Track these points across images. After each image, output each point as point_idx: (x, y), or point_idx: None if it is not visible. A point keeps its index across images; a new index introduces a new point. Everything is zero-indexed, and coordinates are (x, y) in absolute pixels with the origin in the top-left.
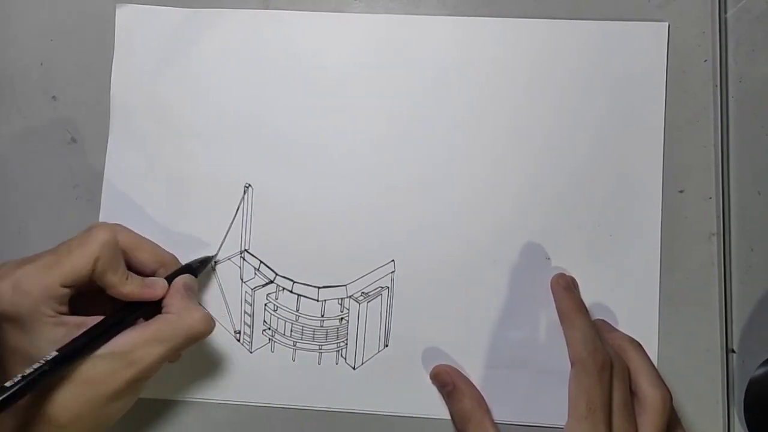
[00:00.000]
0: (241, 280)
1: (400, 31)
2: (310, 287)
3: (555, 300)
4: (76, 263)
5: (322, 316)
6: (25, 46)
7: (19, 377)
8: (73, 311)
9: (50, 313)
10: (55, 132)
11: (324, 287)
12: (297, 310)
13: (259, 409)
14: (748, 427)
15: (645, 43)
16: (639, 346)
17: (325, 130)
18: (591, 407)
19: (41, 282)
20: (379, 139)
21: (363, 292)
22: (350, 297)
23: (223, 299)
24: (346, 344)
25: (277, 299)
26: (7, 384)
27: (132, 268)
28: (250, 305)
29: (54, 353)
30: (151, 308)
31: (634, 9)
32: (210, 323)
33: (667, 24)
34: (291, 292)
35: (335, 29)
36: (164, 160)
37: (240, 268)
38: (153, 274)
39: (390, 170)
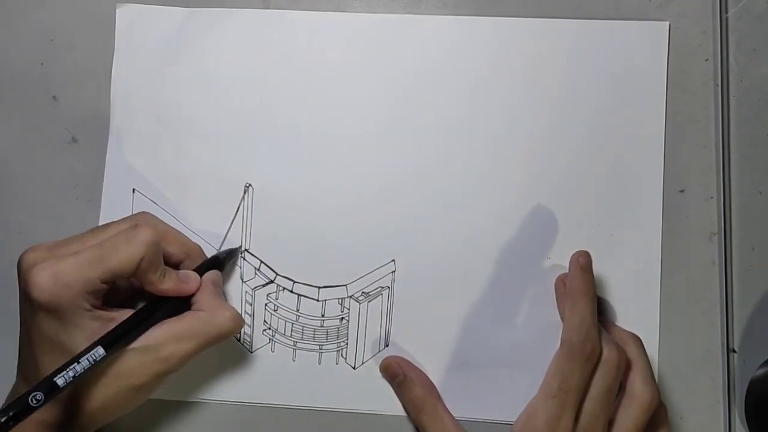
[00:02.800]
0: (242, 279)
1: (400, 30)
2: (311, 287)
3: (568, 276)
4: (122, 262)
5: (323, 315)
6: (25, 46)
7: (71, 376)
8: (103, 302)
9: (88, 307)
10: (55, 132)
11: (324, 287)
12: (297, 310)
13: (260, 409)
14: (749, 427)
15: (646, 43)
16: (639, 342)
17: (326, 130)
18: (564, 388)
19: (84, 277)
20: (379, 138)
21: (363, 292)
22: (351, 297)
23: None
24: (347, 344)
25: (277, 299)
26: (59, 381)
27: None
28: (251, 305)
29: (101, 350)
30: (181, 303)
31: (635, 8)
32: (240, 322)
33: (667, 23)
34: (291, 291)
35: (336, 29)
36: (164, 159)
37: (240, 268)
38: (178, 264)
39: (391, 170)
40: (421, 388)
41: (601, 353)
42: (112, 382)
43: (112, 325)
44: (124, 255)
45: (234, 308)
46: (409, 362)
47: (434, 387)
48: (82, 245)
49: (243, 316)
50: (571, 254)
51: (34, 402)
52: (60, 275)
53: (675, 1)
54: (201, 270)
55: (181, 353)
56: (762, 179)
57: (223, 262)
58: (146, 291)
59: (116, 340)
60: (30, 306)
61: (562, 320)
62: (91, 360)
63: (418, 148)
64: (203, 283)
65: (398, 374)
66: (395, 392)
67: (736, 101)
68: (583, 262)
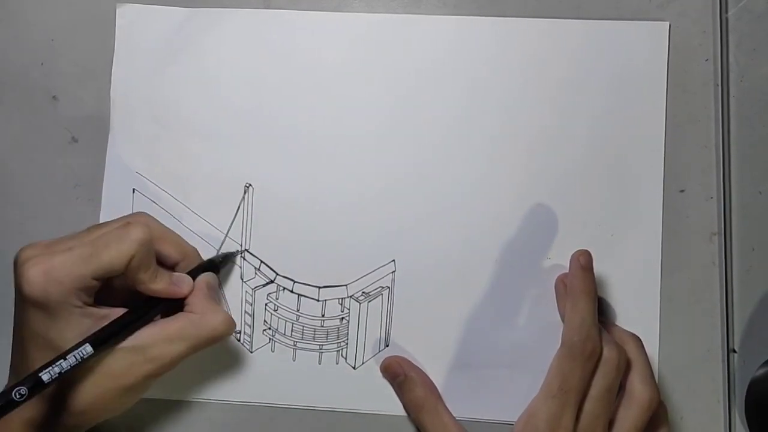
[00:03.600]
0: (242, 279)
1: (400, 30)
2: (311, 287)
3: (569, 275)
4: (112, 259)
5: (323, 315)
6: (25, 46)
7: (56, 372)
8: (96, 300)
9: (78, 304)
10: (55, 132)
11: (324, 287)
12: (297, 310)
13: (260, 409)
14: (749, 427)
15: (646, 43)
16: (638, 341)
17: (326, 130)
18: (564, 388)
19: (74, 273)
20: (379, 139)
21: (363, 292)
22: (351, 297)
23: (224, 299)
24: (347, 344)
25: (277, 299)
26: (44, 377)
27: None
28: (251, 305)
29: (89, 348)
30: (174, 304)
31: (635, 8)
32: (232, 326)
33: (667, 23)
34: (291, 291)
35: (336, 28)
36: (164, 159)
37: (240, 267)
38: (174, 266)
39: (391, 170)
40: (421, 388)
41: (601, 353)
42: (101, 381)
43: (104, 323)
44: (115, 252)
45: (226, 312)
46: (410, 362)
47: (435, 387)
48: (76, 242)
49: (243, 315)
50: (572, 254)
51: (18, 396)
52: (51, 271)
53: (675, 1)
54: (196, 272)
55: (171, 354)
56: (762, 179)
57: (219, 265)
58: (140, 292)
59: (106, 339)
60: (22, 301)
61: (563, 320)
62: (78, 357)
63: (418, 147)
64: (197, 285)
65: (399, 374)
66: (396, 392)
67: (737, 101)
68: (583, 262)
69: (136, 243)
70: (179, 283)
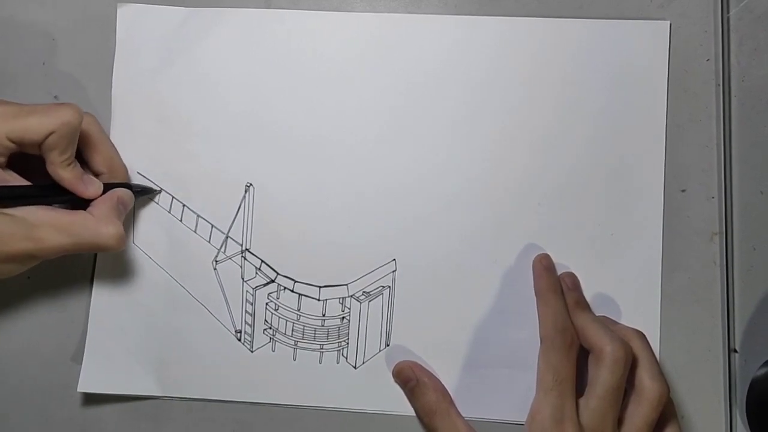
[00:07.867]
0: (242, 279)
1: (401, 30)
2: (312, 286)
3: (534, 278)
4: (30, 126)
5: (324, 315)
6: (26, 45)
7: None
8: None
9: None
10: None
11: (325, 286)
12: (298, 310)
13: (260, 409)
14: (750, 427)
15: (647, 42)
16: (643, 337)
17: (327, 129)
18: (558, 379)
19: None
20: (380, 138)
21: (364, 292)
22: (351, 296)
23: (224, 299)
24: (347, 343)
25: (278, 298)
26: None
27: (81, 158)
28: (251, 305)
29: None
30: (78, 202)
31: (636, 8)
32: (121, 242)
33: (668, 23)
34: (292, 291)
35: (337, 28)
36: (165, 159)
37: (241, 267)
38: (98, 176)
39: (392, 170)
40: (433, 393)
41: (579, 341)
42: None
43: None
44: (36, 121)
45: (121, 228)
46: (422, 367)
47: (447, 392)
48: (11, 103)
49: (243, 315)
50: (571, 254)
51: None
52: None
53: (676, 1)
54: (111, 186)
55: (52, 242)
56: (763, 179)
57: (135, 192)
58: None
59: None
60: None
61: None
62: None
63: (419, 147)
64: (108, 194)
65: (411, 379)
66: (407, 397)
67: (738, 101)
68: (546, 263)
69: (60, 121)
70: (87, 182)
